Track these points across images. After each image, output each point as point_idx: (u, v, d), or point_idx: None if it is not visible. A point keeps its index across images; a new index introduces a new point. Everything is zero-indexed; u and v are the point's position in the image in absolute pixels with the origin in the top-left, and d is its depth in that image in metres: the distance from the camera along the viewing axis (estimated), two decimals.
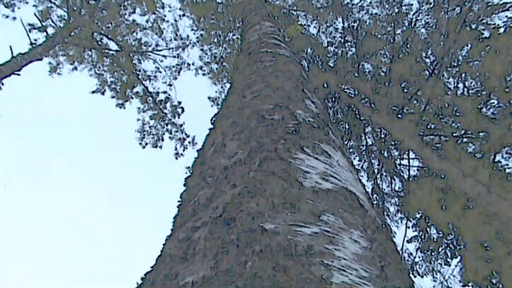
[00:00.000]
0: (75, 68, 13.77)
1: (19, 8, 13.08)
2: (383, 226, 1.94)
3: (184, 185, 2.53)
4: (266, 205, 1.68)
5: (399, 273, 1.59)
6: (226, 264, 1.38)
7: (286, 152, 2.15)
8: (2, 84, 10.89)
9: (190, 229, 1.77)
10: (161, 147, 13.79)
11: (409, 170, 11.20)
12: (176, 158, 13.70)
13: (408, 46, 10.97)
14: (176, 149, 13.79)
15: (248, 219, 1.61)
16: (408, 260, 12.37)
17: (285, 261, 1.35)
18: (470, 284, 11.05)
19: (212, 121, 3.47)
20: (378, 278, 1.43)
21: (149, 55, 14.26)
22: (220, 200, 1.87)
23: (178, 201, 2.45)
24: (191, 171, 2.70)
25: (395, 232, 12.13)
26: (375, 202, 12.06)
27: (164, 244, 1.97)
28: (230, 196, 1.86)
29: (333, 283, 1.30)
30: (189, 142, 13.91)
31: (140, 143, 13.71)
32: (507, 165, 10.25)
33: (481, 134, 9.75)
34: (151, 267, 1.80)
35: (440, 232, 11.51)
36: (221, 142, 2.58)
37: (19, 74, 11.05)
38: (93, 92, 13.62)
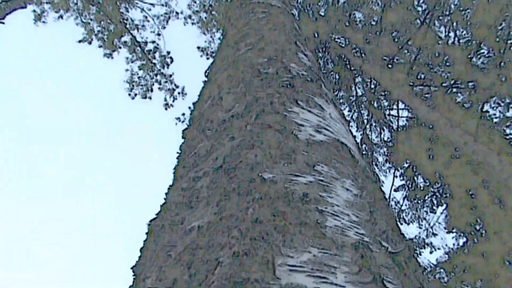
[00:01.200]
0: (61, 17, 13.49)
1: None
2: (372, 175, 2.06)
3: (183, 137, 2.63)
4: (263, 156, 1.79)
5: (386, 218, 1.73)
6: (229, 211, 1.50)
7: (281, 106, 2.24)
8: None
9: (192, 179, 1.88)
10: (150, 98, 13.75)
11: (398, 120, 11.35)
12: (166, 109, 13.70)
13: None
14: (165, 99, 13.77)
15: (247, 169, 1.72)
16: (395, 208, 12.73)
17: (283, 208, 1.47)
18: (454, 230, 11.46)
19: (207, 74, 3.54)
20: (367, 223, 1.56)
21: (137, 3, 13.97)
22: (219, 152, 1.98)
23: (177, 153, 2.55)
24: (188, 123, 2.80)
25: (383, 182, 12.43)
26: (364, 152, 12.29)
27: (166, 193, 2.09)
28: (229, 148, 1.96)
29: (326, 227, 1.43)
30: (179, 93, 13.87)
31: (129, 94, 13.65)
32: (495, 115, 10.42)
33: (470, 84, 9.85)
34: (156, 214, 1.92)
35: (427, 181, 11.81)
36: (218, 96, 2.66)
37: (3, 23, 10.86)
38: (79, 41, 13.41)
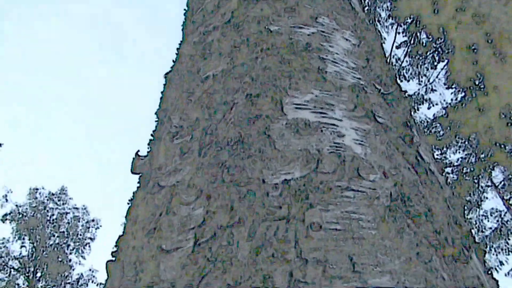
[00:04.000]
0: None
1: None
2: (371, 27, 2.20)
3: None
4: (269, 10, 1.92)
5: (381, 65, 1.91)
6: (240, 60, 1.68)
7: None
8: None
9: (203, 33, 2.03)
10: None
11: None
12: None
13: None
14: None
15: (255, 22, 1.86)
16: (395, 65, 12.85)
17: (289, 56, 1.65)
18: (453, 86, 11.71)
19: None
20: (364, 69, 1.75)
21: None
22: (227, 7, 2.10)
23: (185, 9, 2.65)
24: None
25: (385, 38, 12.37)
26: (366, 7, 12.06)
27: (178, 48, 2.25)
28: (236, 3, 2.07)
29: (327, 72, 1.61)
30: None
31: None
32: None
33: None
34: (171, 68, 2.11)
35: (430, 37, 11.76)
36: None
37: None
38: None
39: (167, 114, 1.74)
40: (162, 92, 2.05)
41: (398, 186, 1.27)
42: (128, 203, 1.66)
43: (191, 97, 1.67)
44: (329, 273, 1.03)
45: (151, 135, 1.81)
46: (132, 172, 1.73)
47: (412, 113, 1.73)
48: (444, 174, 1.62)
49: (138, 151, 1.80)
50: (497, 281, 1.41)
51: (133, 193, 1.66)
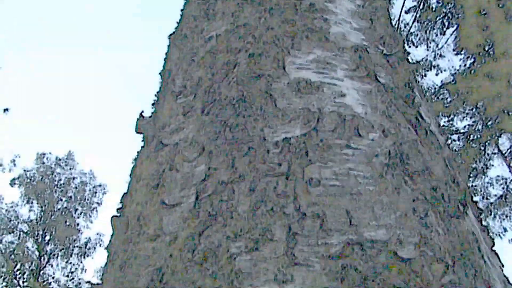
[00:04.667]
0: None
1: None
2: None
3: None
4: None
5: (386, 27, 1.90)
6: (243, 20, 1.67)
7: None
8: None
9: None
10: None
11: None
12: None
13: None
14: None
15: None
16: (404, 30, 12.67)
17: (292, 16, 1.64)
18: (462, 52, 11.57)
19: None
20: (367, 29, 1.74)
21: None
22: None
23: None
24: None
25: (393, 3, 12.17)
26: None
27: (182, 9, 2.24)
28: None
29: (330, 33, 1.61)
30: None
31: None
32: None
33: None
34: (175, 28, 2.10)
35: (440, 1, 11.56)
36: None
37: None
38: None
39: (170, 74, 1.75)
40: (166, 53, 2.06)
41: (397, 144, 1.29)
42: (132, 162, 1.70)
43: (194, 57, 1.68)
44: (326, 226, 1.07)
45: (155, 95, 1.83)
46: (137, 132, 1.76)
47: (415, 74, 1.74)
48: (445, 135, 1.63)
49: (142, 111, 1.82)
50: (493, 239, 1.44)
51: (137, 152, 1.70)
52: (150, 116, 1.78)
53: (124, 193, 1.57)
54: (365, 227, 1.07)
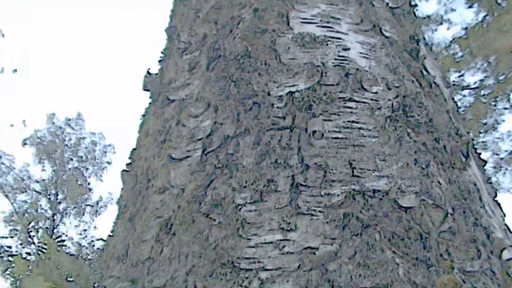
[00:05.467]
0: None
1: None
2: None
3: None
4: None
5: None
6: None
7: None
8: None
9: None
10: None
11: None
12: None
13: None
14: None
15: None
16: None
17: None
18: (474, 5, 11.29)
19: None
20: None
21: None
22: None
23: None
24: None
25: None
26: None
27: None
28: None
29: None
30: None
31: None
32: None
33: None
34: None
35: None
36: None
37: None
38: None
39: (176, 31, 1.75)
40: (171, 10, 2.04)
41: (400, 97, 1.30)
42: (140, 119, 1.72)
43: (199, 13, 1.67)
44: (329, 177, 1.09)
45: (161, 52, 1.84)
46: (144, 89, 1.77)
47: (420, 27, 1.72)
48: (451, 88, 1.64)
49: (149, 69, 1.83)
50: (495, 190, 1.46)
51: (145, 108, 1.72)
52: (157, 74, 1.79)
53: (133, 149, 1.61)
54: (367, 177, 1.10)
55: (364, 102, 1.26)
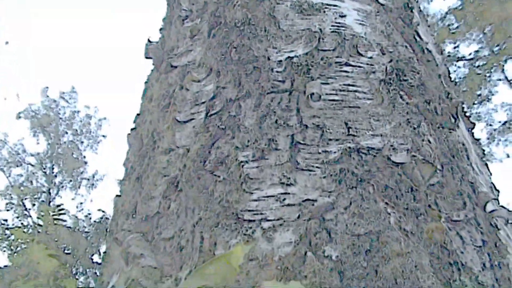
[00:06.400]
0: None
1: None
2: None
3: None
4: None
5: None
6: None
7: None
8: None
9: None
10: None
11: None
12: None
13: None
14: None
15: None
16: None
17: None
18: None
19: None
20: None
21: None
22: None
23: None
24: None
25: None
26: None
27: None
28: None
29: None
30: None
31: None
32: None
33: None
34: None
35: None
36: None
37: None
38: None
39: None
40: None
41: (394, 62, 1.36)
42: (144, 85, 1.78)
43: None
44: (326, 136, 1.17)
45: (162, 20, 1.88)
46: (146, 57, 1.82)
47: None
48: (442, 54, 1.70)
49: (150, 37, 1.87)
50: (483, 150, 1.54)
51: (148, 75, 1.77)
52: (158, 42, 1.84)
53: (137, 114, 1.67)
54: (361, 136, 1.17)
55: (359, 67, 1.32)
